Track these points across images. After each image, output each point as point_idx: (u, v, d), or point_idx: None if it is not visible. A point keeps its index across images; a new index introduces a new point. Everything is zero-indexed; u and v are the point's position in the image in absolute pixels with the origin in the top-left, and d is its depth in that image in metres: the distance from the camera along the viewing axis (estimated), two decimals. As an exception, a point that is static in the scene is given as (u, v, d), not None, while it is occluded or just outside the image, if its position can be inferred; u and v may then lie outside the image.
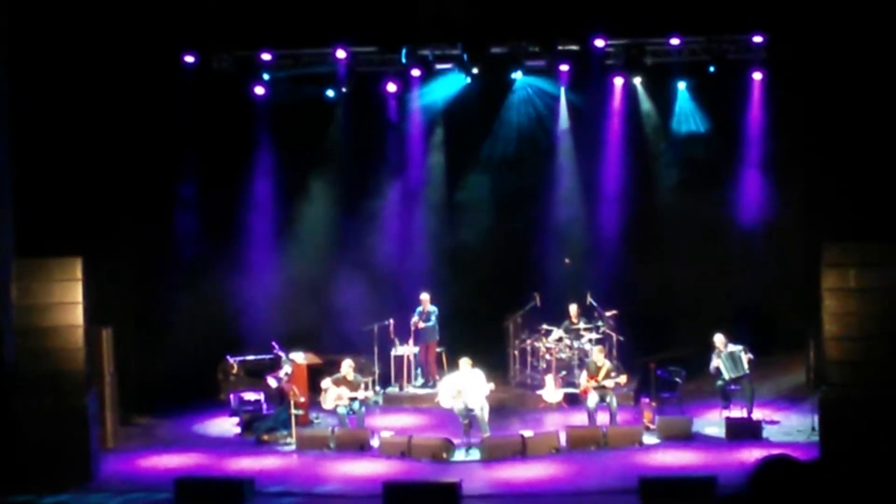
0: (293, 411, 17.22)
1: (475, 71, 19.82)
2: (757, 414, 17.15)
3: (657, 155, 21.17)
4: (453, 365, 18.22)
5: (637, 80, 20.45)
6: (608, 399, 17.12)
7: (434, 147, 21.60)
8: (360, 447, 16.58)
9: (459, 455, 16.20)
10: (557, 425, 17.29)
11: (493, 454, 16.03)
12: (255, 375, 19.08)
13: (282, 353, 18.16)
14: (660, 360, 18.25)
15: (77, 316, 15.43)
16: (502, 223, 21.37)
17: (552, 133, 21.38)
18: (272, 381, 18.01)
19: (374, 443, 16.67)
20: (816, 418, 15.54)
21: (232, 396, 18.50)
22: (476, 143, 21.44)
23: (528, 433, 16.42)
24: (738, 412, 17.19)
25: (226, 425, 18.37)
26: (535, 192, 21.39)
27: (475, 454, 16.19)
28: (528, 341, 20.01)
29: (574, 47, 19.53)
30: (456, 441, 16.38)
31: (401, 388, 19.93)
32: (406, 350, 19.94)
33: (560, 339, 19.45)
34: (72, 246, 15.80)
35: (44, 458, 14.97)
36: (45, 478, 14.84)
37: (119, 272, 18.32)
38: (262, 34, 19.26)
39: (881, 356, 14.86)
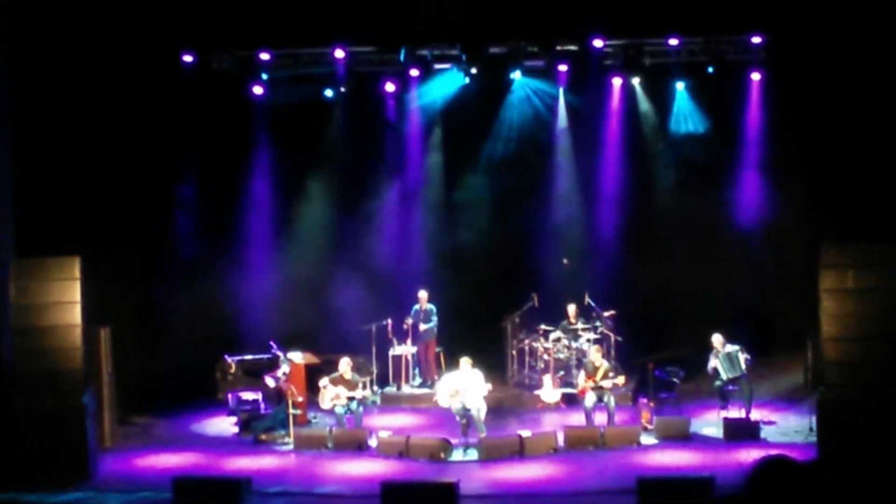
0: (291, 411, 17.22)
1: (474, 71, 19.83)
2: (755, 414, 17.15)
3: (656, 155, 21.17)
4: (451, 365, 18.23)
5: (636, 81, 20.45)
6: (606, 399, 17.12)
7: (432, 147, 21.60)
8: (357, 447, 16.58)
9: (457, 455, 16.20)
10: (555, 425, 17.29)
11: (491, 454, 16.03)
12: (253, 375, 19.08)
13: (280, 353, 18.16)
14: (658, 361, 18.24)
15: (75, 315, 15.43)
16: (500, 223, 21.37)
17: (551, 133, 21.38)
18: (270, 381, 18.01)
19: (372, 443, 16.67)
20: (814, 419, 15.55)
21: (230, 396, 18.50)
22: (475, 144, 21.42)
23: (525, 433, 16.42)
24: (736, 413, 17.19)
25: (224, 425, 18.38)
26: (534, 192, 21.39)
27: (473, 454, 16.19)
28: (527, 341, 20.01)
29: (573, 47, 19.53)
30: (454, 441, 16.39)
31: (399, 388, 19.94)
32: (404, 350, 19.94)
33: (558, 340, 19.45)
34: (70, 245, 15.80)
35: (42, 457, 14.98)
36: (43, 477, 14.85)
37: (117, 272, 18.33)
38: (261, 34, 19.27)
39: (879, 357, 14.85)
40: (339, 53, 19.60)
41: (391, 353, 19.91)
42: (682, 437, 16.60)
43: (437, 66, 20.01)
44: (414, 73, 19.91)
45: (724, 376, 17.37)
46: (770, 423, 17.17)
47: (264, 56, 19.67)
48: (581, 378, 17.54)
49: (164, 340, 19.47)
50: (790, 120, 19.48)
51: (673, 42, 19.32)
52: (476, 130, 21.38)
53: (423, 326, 19.84)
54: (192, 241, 19.83)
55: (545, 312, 19.90)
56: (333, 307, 20.27)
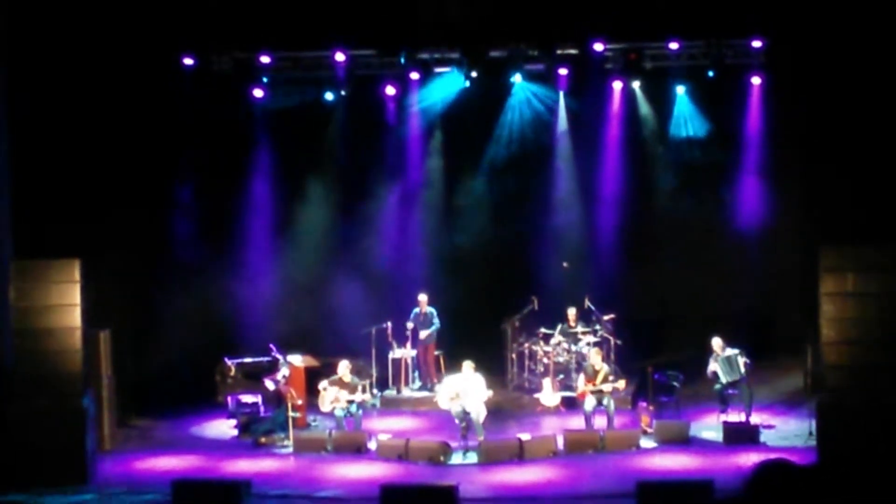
0: (290, 414, 17.21)
1: (474, 74, 19.83)
2: (754, 418, 17.13)
3: (656, 159, 21.17)
4: (451, 368, 18.21)
5: (636, 84, 20.45)
6: (606, 403, 17.11)
7: (432, 150, 21.59)
8: (357, 450, 16.57)
9: (457, 458, 16.19)
10: (555, 429, 17.26)
11: (491, 457, 16.02)
12: (252, 378, 19.06)
13: (279, 356, 18.15)
14: (657, 364, 18.23)
15: (75, 318, 15.42)
16: (500, 226, 21.36)
17: (551, 137, 21.37)
18: (269, 384, 18.00)
19: (372, 445, 16.66)
20: (814, 423, 15.52)
21: (229, 399, 18.48)
22: (475, 147, 21.42)
23: (525, 437, 16.41)
24: (735, 416, 17.18)
25: (223, 427, 18.36)
26: (534, 195, 21.39)
27: (472, 457, 16.18)
28: (526, 345, 20.00)
29: (573, 51, 19.53)
30: (453, 444, 16.38)
31: (398, 391, 19.93)
32: (403, 353, 19.94)
33: (558, 343, 19.44)
34: (70, 248, 15.80)
35: (41, 459, 14.95)
36: (42, 479, 14.83)
37: (117, 274, 18.30)
38: (261, 36, 19.26)
39: (879, 360, 14.85)
40: (340, 56, 19.59)
41: (391, 356, 19.90)
42: (682, 441, 16.59)
43: (438, 70, 20.00)
44: (414, 76, 19.91)
45: (723, 380, 17.36)
46: (770, 426, 17.16)
47: (264, 58, 19.64)
48: (581, 381, 17.52)
49: (164, 343, 19.44)
50: (790, 124, 19.48)
51: (673, 46, 19.32)
52: (476, 134, 21.38)
53: (423, 334, 19.83)
54: (193, 244, 19.81)
55: (545, 316, 19.90)
56: (333, 310, 20.27)
